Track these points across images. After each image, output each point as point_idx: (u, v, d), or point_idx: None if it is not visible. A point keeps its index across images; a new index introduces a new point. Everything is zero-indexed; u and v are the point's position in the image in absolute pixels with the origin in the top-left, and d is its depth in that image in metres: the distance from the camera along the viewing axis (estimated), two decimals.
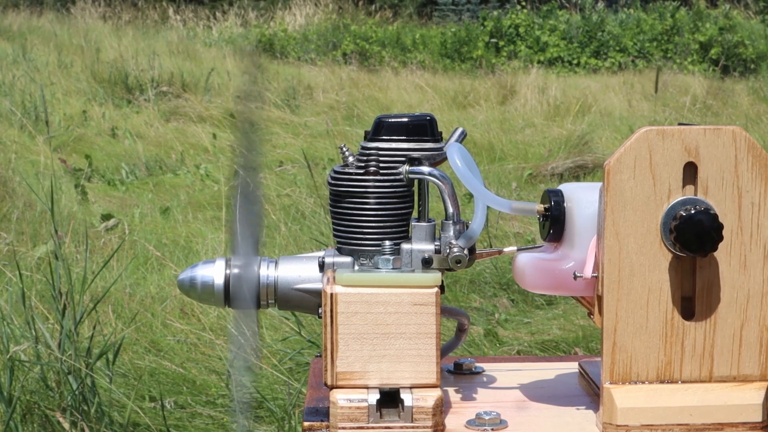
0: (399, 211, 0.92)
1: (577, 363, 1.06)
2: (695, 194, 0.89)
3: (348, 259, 0.92)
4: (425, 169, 0.90)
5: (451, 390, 0.98)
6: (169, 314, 3.35)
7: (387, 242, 0.90)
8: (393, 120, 0.92)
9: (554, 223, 0.93)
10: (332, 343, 0.86)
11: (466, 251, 0.89)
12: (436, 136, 0.92)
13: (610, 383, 0.87)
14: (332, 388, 0.86)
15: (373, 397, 0.85)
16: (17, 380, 2.57)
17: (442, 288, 0.88)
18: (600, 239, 0.89)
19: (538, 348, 3.28)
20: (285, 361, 2.91)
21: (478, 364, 1.06)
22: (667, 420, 0.87)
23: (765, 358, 0.89)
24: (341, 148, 0.93)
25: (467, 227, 0.90)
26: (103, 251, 4.10)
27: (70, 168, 5.68)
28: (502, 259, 3.71)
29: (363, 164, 0.91)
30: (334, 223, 0.93)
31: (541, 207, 0.93)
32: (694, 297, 0.89)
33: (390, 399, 0.86)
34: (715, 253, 0.89)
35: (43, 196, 4.35)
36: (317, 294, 0.92)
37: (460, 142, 0.91)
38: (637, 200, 0.88)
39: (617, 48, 13.38)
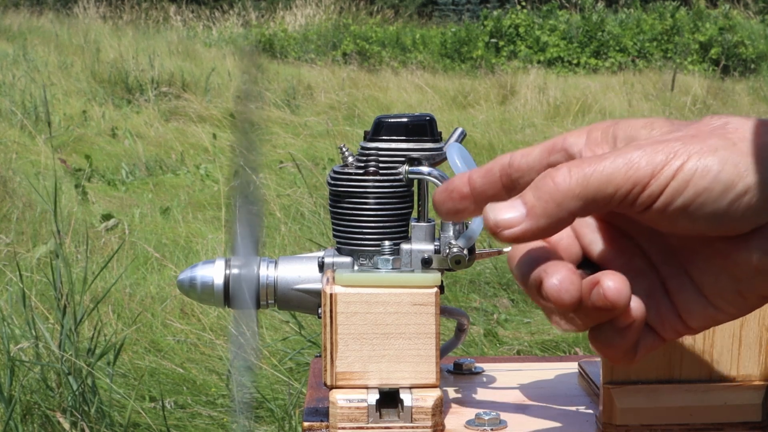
0: (398, 211, 0.92)
1: (577, 363, 1.06)
2: None
3: (347, 260, 0.92)
4: (425, 169, 0.90)
5: (450, 390, 0.98)
6: (169, 314, 3.35)
7: (386, 242, 0.89)
8: (393, 120, 0.91)
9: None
10: (332, 343, 0.86)
11: (465, 251, 0.89)
12: (436, 136, 0.92)
13: (610, 383, 0.87)
14: (332, 388, 0.86)
15: (373, 397, 0.85)
16: (17, 380, 2.57)
17: (441, 288, 0.87)
18: None
19: (538, 348, 3.28)
20: (285, 361, 2.91)
21: (478, 364, 1.05)
22: (667, 420, 0.87)
23: (765, 358, 0.88)
24: (341, 148, 0.93)
25: (467, 227, 0.90)
26: (103, 251, 4.10)
27: (70, 168, 5.68)
28: (502, 259, 3.70)
29: (362, 164, 0.91)
30: (333, 224, 0.93)
31: None
32: None
33: (389, 399, 0.86)
34: None
35: (44, 196, 4.35)
36: (317, 294, 0.92)
37: (460, 142, 0.91)
38: None
39: (617, 48, 13.38)
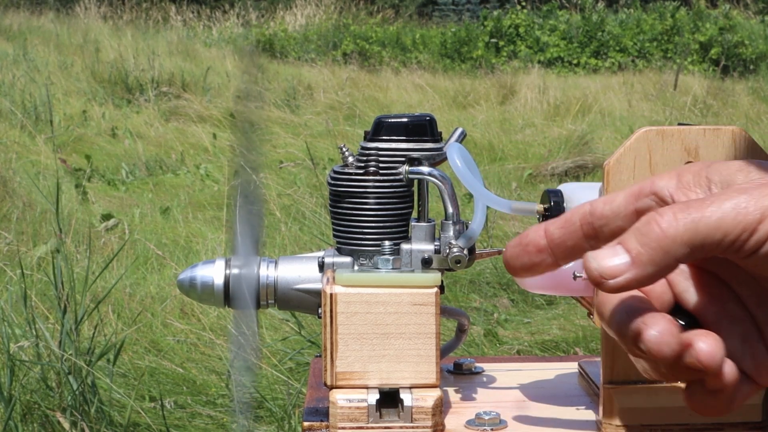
0: (399, 211, 0.92)
1: (577, 363, 1.06)
2: None
3: (348, 259, 0.92)
4: (425, 169, 0.90)
5: (450, 390, 0.98)
6: (169, 314, 3.35)
7: (387, 242, 0.89)
8: (393, 120, 0.91)
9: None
10: (332, 343, 0.85)
11: (465, 251, 0.89)
12: (436, 136, 0.92)
13: (610, 383, 0.87)
14: (332, 388, 0.86)
15: (373, 397, 0.85)
16: (17, 380, 2.57)
17: (441, 288, 0.87)
18: None
19: (538, 348, 3.28)
20: (285, 361, 2.91)
21: (478, 364, 1.05)
22: (667, 420, 0.87)
23: None
24: (341, 148, 0.93)
25: (467, 227, 0.90)
26: (103, 251, 4.10)
27: (70, 168, 5.68)
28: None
29: (363, 164, 0.91)
30: (333, 223, 0.93)
31: (540, 207, 0.93)
32: None
33: (389, 399, 0.86)
34: None
35: (45, 196, 4.35)
36: (317, 294, 0.92)
37: (460, 142, 0.91)
38: None
39: (617, 48, 13.38)
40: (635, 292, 0.58)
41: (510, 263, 0.61)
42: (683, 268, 0.60)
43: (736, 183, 0.57)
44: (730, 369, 0.56)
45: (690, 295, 0.60)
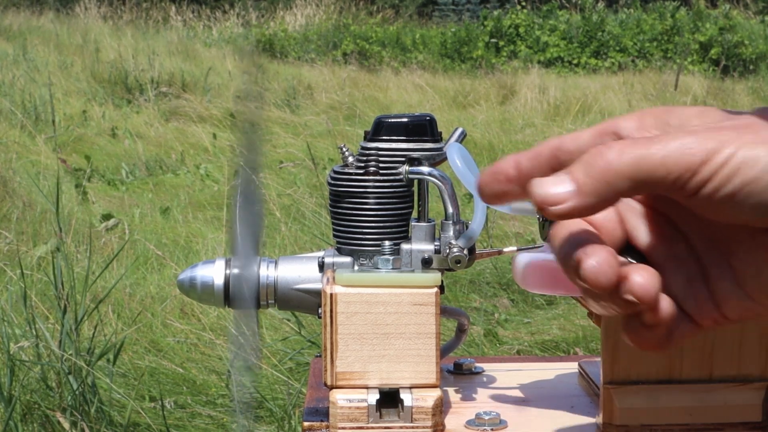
0: (399, 211, 0.92)
1: (577, 363, 1.06)
2: None
3: (348, 259, 0.92)
4: (425, 169, 0.90)
5: (450, 390, 0.98)
6: (169, 314, 3.35)
7: (387, 242, 0.89)
8: (393, 120, 0.91)
9: (554, 223, 0.92)
10: (332, 343, 0.85)
11: (465, 251, 0.89)
12: (436, 136, 0.92)
13: (610, 383, 0.87)
14: (332, 388, 0.86)
15: (373, 397, 0.85)
16: (17, 380, 2.57)
17: (441, 288, 0.87)
18: None
19: (538, 348, 3.28)
20: (285, 361, 2.91)
21: (478, 364, 1.05)
22: (667, 420, 0.87)
23: (765, 358, 0.88)
24: (341, 148, 0.93)
25: (467, 227, 0.90)
26: (103, 251, 4.10)
27: (70, 168, 5.68)
28: (502, 259, 3.71)
29: (363, 164, 0.91)
30: (333, 223, 0.93)
31: None
32: None
33: (390, 399, 0.86)
34: None
35: (45, 196, 4.35)
36: (317, 294, 0.92)
37: (460, 142, 0.91)
38: None
39: (617, 48, 13.38)
40: (586, 226, 0.60)
41: (482, 190, 0.63)
42: (636, 206, 0.62)
43: (690, 126, 0.58)
44: (666, 305, 0.57)
45: (641, 233, 0.61)
